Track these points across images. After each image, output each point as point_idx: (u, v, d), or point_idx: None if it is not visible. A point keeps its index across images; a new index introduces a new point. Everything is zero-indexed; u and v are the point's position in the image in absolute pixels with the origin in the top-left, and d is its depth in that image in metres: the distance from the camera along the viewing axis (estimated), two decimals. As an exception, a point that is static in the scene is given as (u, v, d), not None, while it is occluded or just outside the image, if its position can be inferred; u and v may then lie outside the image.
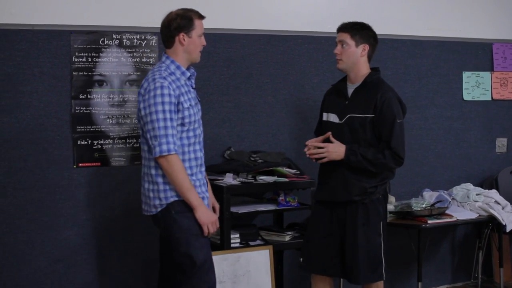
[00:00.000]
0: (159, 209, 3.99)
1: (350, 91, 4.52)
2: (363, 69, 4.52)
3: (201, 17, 4.07)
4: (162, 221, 4.04)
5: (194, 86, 4.15)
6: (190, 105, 3.99)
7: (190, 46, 4.03)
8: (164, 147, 3.83)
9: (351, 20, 4.52)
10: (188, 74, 4.06)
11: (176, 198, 3.95)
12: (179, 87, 3.96)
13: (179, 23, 3.98)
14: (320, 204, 4.60)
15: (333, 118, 4.53)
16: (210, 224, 3.98)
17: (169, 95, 3.86)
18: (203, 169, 4.16)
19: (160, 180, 3.96)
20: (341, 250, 4.49)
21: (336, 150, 4.39)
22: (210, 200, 4.26)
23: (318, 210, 4.63)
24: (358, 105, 4.43)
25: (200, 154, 4.11)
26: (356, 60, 4.47)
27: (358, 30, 4.46)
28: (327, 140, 4.47)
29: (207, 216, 3.98)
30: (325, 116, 4.62)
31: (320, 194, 4.60)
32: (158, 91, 3.85)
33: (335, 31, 5.10)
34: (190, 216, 3.96)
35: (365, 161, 4.35)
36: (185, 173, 3.90)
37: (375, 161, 4.36)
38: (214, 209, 4.30)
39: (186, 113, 3.96)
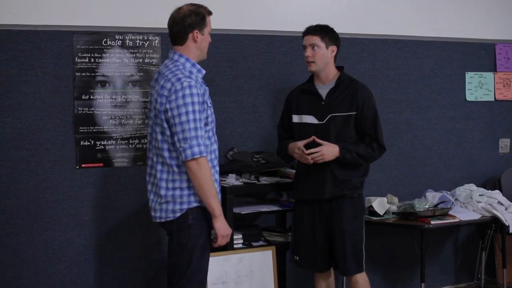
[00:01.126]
0: (178, 215, 3.83)
1: (323, 91, 4.63)
2: (333, 69, 4.69)
3: (210, 13, 3.97)
4: (175, 226, 3.86)
5: (206, 84, 4.03)
6: (210, 103, 3.90)
7: (202, 43, 3.91)
8: (196, 149, 3.67)
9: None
10: (204, 71, 3.94)
11: (197, 204, 3.82)
12: (201, 85, 3.84)
13: (194, 20, 3.85)
14: (301, 203, 4.70)
15: (309, 119, 4.61)
16: (226, 236, 3.87)
17: (198, 94, 3.71)
18: (218, 168, 4.04)
19: (185, 185, 3.79)
20: (327, 244, 4.65)
21: (330, 151, 4.48)
22: None
23: (300, 209, 4.71)
24: (338, 104, 4.56)
25: (217, 154, 4.01)
26: (327, 62, 4.63)
27: (327, 32, 4.61)
28: (312, 143, 4.53)
29: (225, 228, 3.85)
30: (296, 118, 4.69)
31: (304, 194, 4.67)
32: (187, 91, 3.69)
33: (338, 31, 5.12)
34: (203, 226, 3.86)
35: (358, 157, 4.52)
36: (212, 178, 3.77)
37: (366, 155, 4.56)
38: None
39: (209, 111, 3.85)
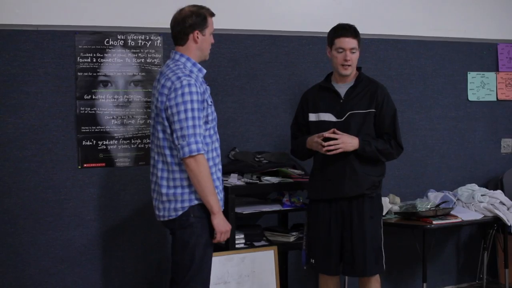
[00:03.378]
0: (180, 213, 3.85)
1: (341, 90, 4.59)
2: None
3: (212, 14, 3.99)
4: (177, 224, 3.88)
5: (207, 83, 4.04)
6: (211, 101, 3.91)
7: (203, 44, 3.93)
8: (193, 146, 3.69)
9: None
10: (205, 71, 3.97)
11: (197, 202, 3.83)
12: (201, 84, 3.86)
13: (194, 20, 3.88)
14: (318, 203, 4.63)
15: (328, 117, 4.57)
16: (225, 232, 3.88)
17: (197, 93, 3.74)
18: (221, 167, 4.05)
19: (185, 183, 3.81)
20: (340, 246, 4.58)
21: (350, 140, 4.43)
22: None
23: (316, 210, 4.64)
24: (357, 102, 4.54)
25: (219, 152, 4.02)
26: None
27: (359, 35, 4.58)
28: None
29: (224, 224, 3.87)
30: (313, 117, 4.65)
31: (321, 192, 4.59)
32: (186, 89, 3.72)
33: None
34: (205, 223, 3.86)
35: (377, 151, 4.49)
36: (210, 175, 3.79)
37: (385, 151, 4.53)
38: None
39: (209, 110, 3.86)
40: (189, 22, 3.88)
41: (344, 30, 4.54)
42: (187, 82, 3.74)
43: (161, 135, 3.84)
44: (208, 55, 4.03)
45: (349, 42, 4.51)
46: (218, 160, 3.97)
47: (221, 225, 3.85)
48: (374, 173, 4.57)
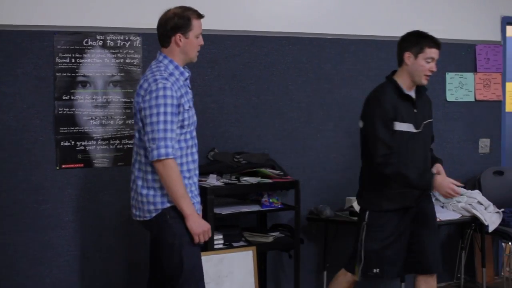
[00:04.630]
0: (153, 214, 3.81)
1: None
2: None
3: (200, 16, 3.90)
4: (155, 226, 3.85)
5: (190, 87, 3.99)
6: (189, 106, 3.85)
7: (186, 47, 3.86)
8: (162, 150, 3.65)
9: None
10: (187, 74, 3.90)
11: (170, 204, 3.79)
12: (180, 88, 3.79)
13: (176, 23, 3.81)
14: (392, 211, 4.47)
15: (406, 127, 4.40)
16: (202, 233, 3.81)
17: (172, 96, 3.69)
18: (197, 172, 4.00)
19: (157, 185, 3.78)
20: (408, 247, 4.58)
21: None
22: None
23: (391, 218, 4.48)
24: (424, 111, 4.50)
25: (196, 157, 3.96)
26: None
27: None
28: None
29: (199, 225, 3.79)
30: (399, 126, 4.38)
31: (403, 201, 4.47)
32: (161, 92, 3.67)
33: (319, 31, 5.15)
34: (183, 222, 3.80)
35: None
36: (180, 179, 3.73)
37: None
38: None
39: (186, 115, 3.80)
40: (170, 24, 3.82)
41: (436, 41, 4.43)
42: (163, 85, 3.69)
43: (137, 135, 3.85)
44: (195, 57, 3.96)
45: (437, 54, 4.44)
46: (193, 165, 3.93)
47: (195, 227, 3.78)
48: None
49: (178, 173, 3.73)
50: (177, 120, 3.75)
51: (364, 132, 4.49)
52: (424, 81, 4.46)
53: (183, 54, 3.88)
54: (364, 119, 4.49)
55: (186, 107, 3.81)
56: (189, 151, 3.89)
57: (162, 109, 3.67)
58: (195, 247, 3.88)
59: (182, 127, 3.80)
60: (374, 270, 4.54)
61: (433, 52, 4.40)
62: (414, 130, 4.41)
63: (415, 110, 4.44)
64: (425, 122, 4.48)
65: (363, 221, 4.53)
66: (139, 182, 3.85)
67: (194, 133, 3.95)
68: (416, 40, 4.42)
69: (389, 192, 4.48)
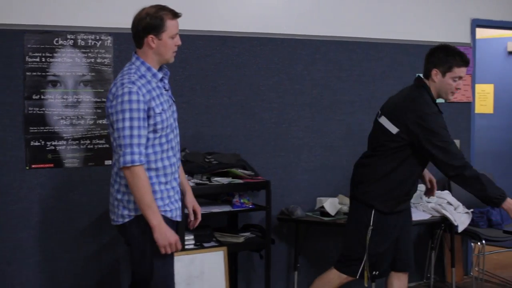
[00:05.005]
0: (126, 220, 3.70)
1: None
2: None
3: (176, 15, 3.74)
4: (129, 232, 3.74)
5: (167, 87, 3.85)
6: (162, 109, 3.67)
7: (160, 48, 3.70)
8: (128, 157, 3.52)
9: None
10: (160, 75, 3.74)
11: None
12: (150, 91, 3.63)
13: (148, 23, 3.64)
14: (392, 214, 4.51)
15: None
16: (168, 245, 3.63)
17: (138, 101, 3.54)
18: (177, 175, 3.87)
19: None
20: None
21: None
22: (186, 208, 4.11)
23: (390, 221, 4.52)
24: None
25: (174, 160, 3.81)
26: None
27: None
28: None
29: (165, 237, 3.61)
30: None
31: (404, 205, 4.58)
32: (126, 97, 3.53)
33: (290, 32, 5.14)
34: None
35: None
36: (147, 187, 3.57)
37: None
38: (195, 212, 4.13)
39: (158, 118, 3.64)
40: (142, 25, 3.66)
41: (465, 58, 4.41)
42: (128, 89, 3.55)
43: (111, 139, 3.73)
44: (171, 58, 3.81)
45: (466, 71, 4.45)
46: (170, 170, 3.78)
47: (161, 239, 3.62)
48: None
49: (145, 181, 3.58)
50: (146, 124, 3.60)
51: (415, 138, 4.34)
52: (450, 97, 4.49)
53: (157, 55, 3.73)
54: (416, 126, 4.33)
55: (158, 110, 3.65)
56: (165, 155, 3.74)
57: (127, 115, 3.54)
58: (168, 256, 3.75)
59: (155, 131, 3.66)
60: (374, 272, 4.58)
61: (462, 71, 4.40)
62: None
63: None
64: None
65: (369, 225, 4.47)
66: (116, 186, 3.75)
67: (171, 136, 3.80)
68: (446, 59, 4.40)
69: (398, 195, 4.49)
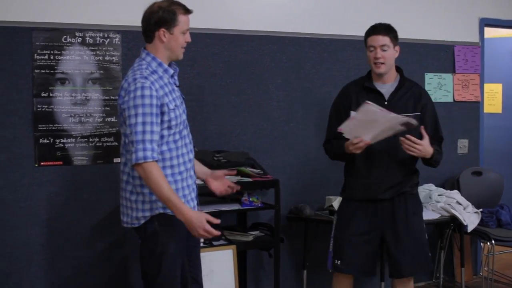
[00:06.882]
0: (142, 221, 3.65)
1: (385, 91, 4.50)
2: (394, 70, 4.56)
3: (188, 11, 3.70)
4: (142, 232, 3.69)
5: (177, 83, 3.81)
6: (175, 105, 3.63)
7: (171, 43, 3.66)
8: (140, 154, 3.45)
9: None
10: (172, 71, 3.70)
11: (159, 211, 3.62)
12: (162, 86, 3.59)
13: (160, 17, 3.60)
14: (354, 202, 4.55)
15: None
16: (202, 228, 3.54)
17: (151, 96, 3.48)
18: (193, 172, 3.84)
19: (146, 190, 3.60)
20: (379, 246, 4.59)
21: (427, 149, 4.32)
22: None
23: (353, 208, 4.55)
24: (403, 105, 4.45)
25: (188, 157, 3.76)
26: (393, 62, 4.52)
27: (394, 32, 4.49)
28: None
29: (196, 220, 3.52)
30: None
31: (365, 192, 4.51)
32: (138, 92, 3.47)
33: (299, 31, 5.13)
34: (171, 232, 3.66)
35: (440, 157, 4.49)
36: (162, 181, 3.49)
37: (440, 159, 4.51)
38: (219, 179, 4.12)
39: (172, 114, 3.59)
40: (154, 18, 3.62)
41: (375, 28, 4.48)
42: (141, 84, 3.50)
43: (123, 137, 3.68)
44: (181, 54, 3.77)
45: (379, 40, 4.42)
46: (184, 167, 3.73)
47: (193, 223, 3.52)
48: (414, 171, 4.57)
49: (159, 176, 3.50)
50: (159, 120, 3.55)
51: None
52: (377, 70, 4.47)
53: (168, 51, 3.70)
54: (435, 111, 4.58)
55: (171, 106, 3.61)
56: (180, 152, 3.69)
57: (140, 110, 3.48)
58: (178, 258, 3.73)
59: (169, 127, 3.61)
60: (336, 261, 4.58)
61: (372, 40, 4.48)
62: None
63: (385, 103, 4.43)
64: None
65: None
66: (128, 187, 3.69)
67: (185, 133, 3.77)
68: (364, 36, 4.60)
69: (351, 182, 4.60)
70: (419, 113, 4.42)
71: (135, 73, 3.58)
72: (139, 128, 3.48)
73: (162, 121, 3.58)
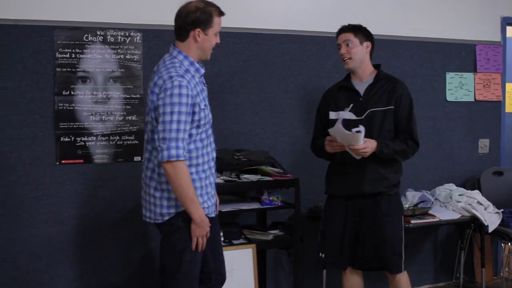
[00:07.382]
0: (166, 218, 3.71)
1: (360, 88, 4.62)
2: (369, 66, 4.70)
3: (221, 13, 3.78)
4: (166, 228, 3.74)
5: (205, 83, 3.86)
6: (205, 105, 3.71)
7: (204, 43, 3.72)
8: (173, 152, 3.49)
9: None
10: (203, 71, 3.76)
11: (184, 208, 3.67)
12: (195, 85, 3.63)
13: (198, 17, 3.66)
14: (336, 198, 4.68)
15: (348, 115, 4.49)
16: (201, 237, 3.70)
17: (187, 95, 3.52)
18: (214, 170, 3.90)
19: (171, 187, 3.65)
20: (355, 241, 4.62)
21: (372, 145, 4.42)
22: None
23: (333, 205, 4.70)
24: (377, 99, 4.55)
25: (212, 156, 3.84)
26: (363, 58, 4.64)
27: (359, 29, 4.62)
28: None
29: (202, 230, 3.69)
30: (334, 115, 4.53)
31: (342, 189, 4.63)
32: (176, 90, 3.50)
33: (319, 30, 5.11)
34: None
35: (395, 152, 4.52)
36: (190, 182, 3.58)
37: (402, 151, 4.55)
38: None
39: (202, 114, 3.65)
40: (191, 18, 3.66)
41: (339, 28, 4.67)
42: (178, 83, 3.53)
43: (151, 134, 3.70)
44: (209, 55, 3.83)
45: (342, 37, 4.61)
46: (208, 165, 3.78)
47: (199, 231, 3.69)
48: (392, 172, 4.61)
49: (188, 176, 3.58)
50: (190, 120, 3.59)
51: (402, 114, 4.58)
52: (345, 66, 4.65)
53: (199, 50, 3.75)
54: (410, 104, 4.63)
55: (202, 106, 3.67)
56: (205, 151, 3.75)
57: (176, 108, 3.51)
58: (198, 254, 3.76)
59: (198, 127, 3.66)
60: (320, 254, 4.79)
61: (337, 39, 4.67)
62: (355, 117, 4.48)
63: (360, 99, 4.57)
64: (371, 110, 4.52)
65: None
66: (152, 184, 3.72)
67: (210, 132, 3.81)
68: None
69: (331, 178, 4.74)
70: (392, 107, 4.53)
71: (170, 71, 3.61)
72: (174, 126, 3.52)
73: (192, 120, 3.62)
